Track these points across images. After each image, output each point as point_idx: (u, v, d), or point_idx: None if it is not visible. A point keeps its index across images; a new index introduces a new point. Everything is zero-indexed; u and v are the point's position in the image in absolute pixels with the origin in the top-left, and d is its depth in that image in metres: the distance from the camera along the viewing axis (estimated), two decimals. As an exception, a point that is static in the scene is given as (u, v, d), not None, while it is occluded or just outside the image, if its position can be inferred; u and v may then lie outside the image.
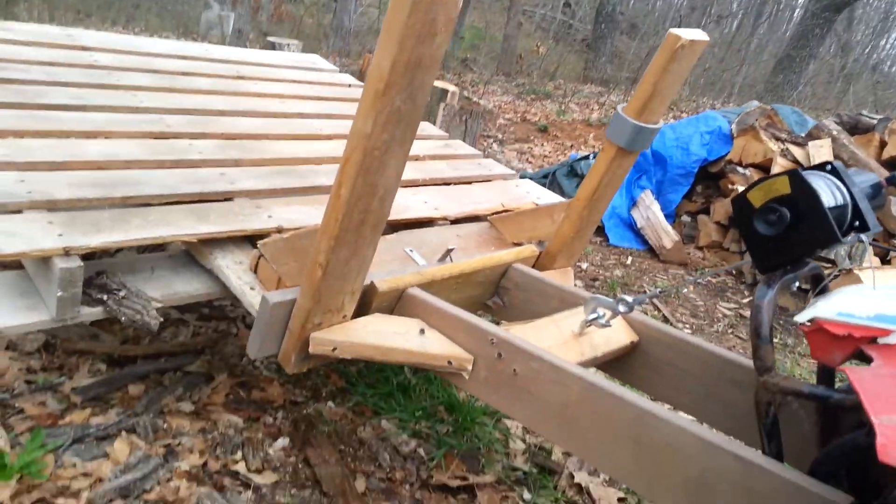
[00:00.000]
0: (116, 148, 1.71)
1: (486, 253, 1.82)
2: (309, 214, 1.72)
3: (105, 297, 1.35)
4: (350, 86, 2.90)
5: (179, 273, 1.51)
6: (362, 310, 1.46)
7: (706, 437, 1.07)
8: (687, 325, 3.06)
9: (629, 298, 1.37)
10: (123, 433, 1.50)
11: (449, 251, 1.70)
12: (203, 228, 1.50)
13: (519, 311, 1.75)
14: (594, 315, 1.43)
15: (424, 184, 2.15)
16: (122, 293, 1.37)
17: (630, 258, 3.85)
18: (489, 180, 2.34)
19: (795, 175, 1.09)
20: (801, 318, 1.02)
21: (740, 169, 3.97)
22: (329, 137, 2.28)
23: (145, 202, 1.55)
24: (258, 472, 1.48)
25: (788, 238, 1.09)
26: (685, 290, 3.51)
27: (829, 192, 1.10)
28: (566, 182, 4.49)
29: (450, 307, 1.45)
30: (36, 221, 1.33)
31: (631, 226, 4.14)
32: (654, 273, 3.67)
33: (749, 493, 1.01)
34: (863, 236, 1.11)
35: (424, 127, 2.68)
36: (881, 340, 0.94)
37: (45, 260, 1.27)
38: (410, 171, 2.13)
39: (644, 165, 4.25)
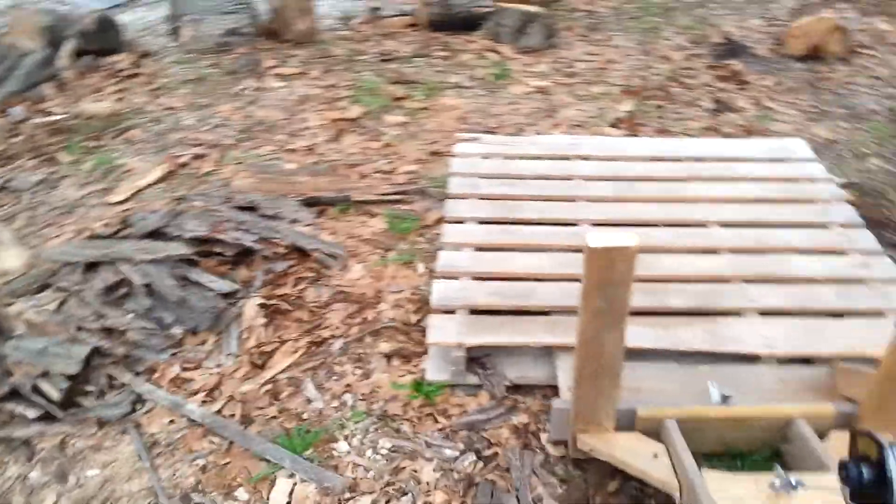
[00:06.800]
0: (539, 260, 2.54)
1: (795, 402, 2.00)
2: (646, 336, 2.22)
3: (479, 371, 2.26)
4: (814, 180, 2.98)
5: (536, 362, 2.28)
6: (629, 426, 1.97)
7: None
8: None
9: (793, 481, 1.55)
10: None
11: (726, 397, 1.97)
12: (548, 339, 2.23)
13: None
14: (778, 481, 1.60)
15: (788, 313, 2.30)
16: (489, 371, 2.25)
17: None
18: (880, 314, 2.27)
19: (881, 448, 1.09)
20: None
21: None
22: (732, 250, 2.58)
23: (537, 310, 2.35)
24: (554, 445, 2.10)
25: (868, 494, 1.12)
26: None
27: None
28: None
29: (680, 444, 1.82)
30: (454, 321, 2.30)
31: None
32: None
33: None
34: None
35: (858, 238, 2.63)
36: None
37: (459, 345, 2.24)
38: (781, 299, 2.34)
39: None
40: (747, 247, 2.59)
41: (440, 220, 3.02)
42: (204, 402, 2.26)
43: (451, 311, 2.35)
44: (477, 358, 2.29)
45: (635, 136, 3.66)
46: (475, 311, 2.35)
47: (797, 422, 1.91)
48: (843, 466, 1.15)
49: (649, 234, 2.66)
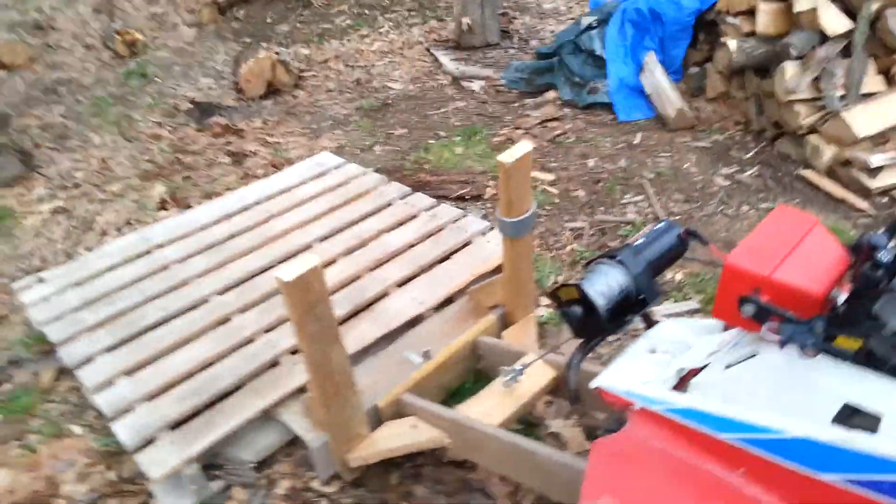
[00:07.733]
0: (196, 350, 2.49)
1: (467, 327, 2.45)
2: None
3: (220, 473, 2.17)
4: (357, 176, 3.52)
5: (261, 431, 2.29)
6: (379, 422, 2.17)
7: None
8: (677, 214, 3.39)
9: (518, 367, 2.00)
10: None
11: (426, 352, 2.34)
12: (261, 404, 2.26)
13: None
14: (506, 377, 2.04)
15: (415, 275, 2.78)
16: (228, 466, 2.18)
17: (639, 136, 4.09)
18: (468, 243, 2.93)
19: (580, 289, 1.48)
20: (593, 383, 1.41)
21: (729, 19, 3.91)
22: (344, 254, 2.93)
23: (225, 393, 2.33)
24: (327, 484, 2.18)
25: (587, 323, 1.52)
26: (685, 165, 3.74)
27: (609, 286, 1.55)
28: (574, 62, 4.45)
29: (426, 404, 2.10)
30: (164, 445, 2.15)
31: (642, 92, 4.24)
32: (658, 150, 3.92)
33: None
34: (636, 317, 1.58)
35: (415, 201, 3.26)
36: (633, 408, 1.35)
37: (188, 462, 2.09)
38: (403, 268, 2.80)
39: (644, 24, 4.25)
40: (352, 245, 2.97)
41: (62, 374, 2.67)
42: None
43: (152, 441, 2.18)
44: (209, 464, 2.19)
45: (190, 207, 3.70)
46: (176, 426, 2.22)
47: (478, 340, 2.38)
48: (562, 314, 1.55)
49: (272, 274, 2.82)
